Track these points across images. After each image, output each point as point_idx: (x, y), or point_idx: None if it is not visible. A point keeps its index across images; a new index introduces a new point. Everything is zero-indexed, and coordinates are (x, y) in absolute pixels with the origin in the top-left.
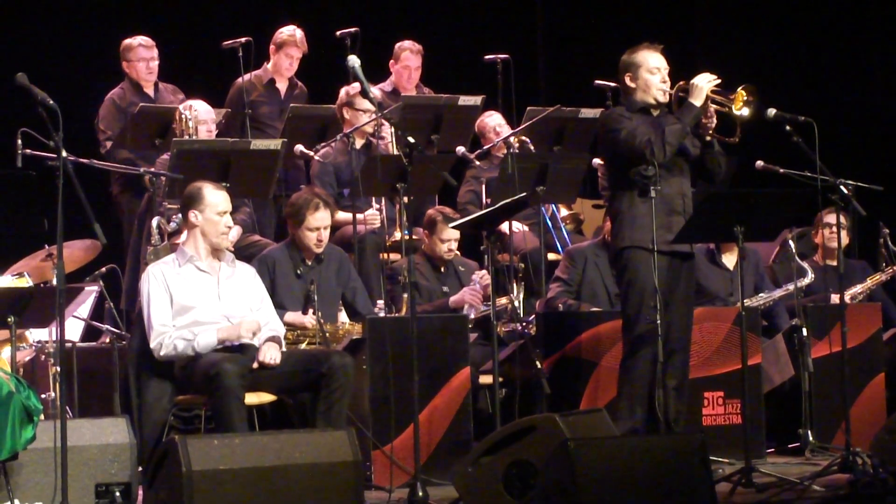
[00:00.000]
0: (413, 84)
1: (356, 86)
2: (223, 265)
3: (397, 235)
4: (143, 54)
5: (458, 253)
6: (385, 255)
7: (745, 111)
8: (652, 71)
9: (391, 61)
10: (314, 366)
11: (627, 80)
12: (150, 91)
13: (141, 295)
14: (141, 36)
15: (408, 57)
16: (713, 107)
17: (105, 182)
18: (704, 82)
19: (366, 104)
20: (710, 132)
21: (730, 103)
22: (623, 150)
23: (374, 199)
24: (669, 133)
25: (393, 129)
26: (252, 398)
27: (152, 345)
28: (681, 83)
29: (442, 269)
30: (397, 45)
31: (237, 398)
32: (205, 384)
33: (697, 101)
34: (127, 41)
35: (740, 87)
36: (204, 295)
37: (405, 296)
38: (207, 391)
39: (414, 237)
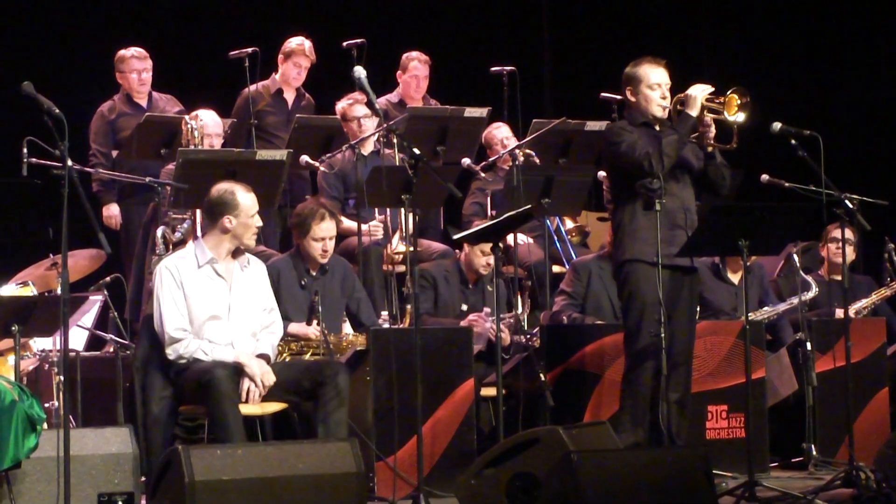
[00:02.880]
0: (421, 94)
1: (348, 100)
2: (237, 268)
3: (394, 245)
4: (135, 65)
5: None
6: (387, 267)
7: (741, 116)
8: (652, 87)
9: (398, 72)
10: (310, 375)
11: (628, 94)
12: (142, 102)
13: (154, 290)
14: (134, 47)
15: (416, 67)
16: (709, 115)
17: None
18: (699, 92)
19: (358, 112)
20: (711, 142)
21: (723, 108)
22: (623, 163)
23: (377, 210)
24: (666, 144)
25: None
26: (255, 409)
27: (167, 349)
28: (678, 96)
29: (470, 286)
30: (404, 55)
31: (232, 401)
32: (198, 392)
33: (693, 111)
34: (121, 52)
35: (730, 91)
36: (216, 304)
37: (409, 307)
38: (202, 399)
39: (418, 248)
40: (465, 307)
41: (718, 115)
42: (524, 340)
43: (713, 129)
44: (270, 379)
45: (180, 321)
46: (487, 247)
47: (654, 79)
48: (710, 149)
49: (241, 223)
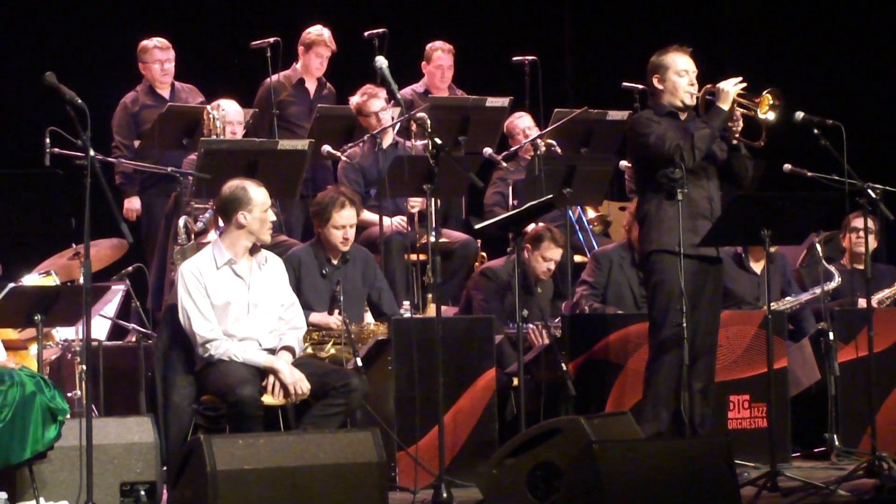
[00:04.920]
0: (446, 84)
1: (362, 95)
2: (255, 266)
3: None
4: (158, 56)
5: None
6: (409, 256)
7: (771, 115)
8: (680, 73)
9: (423, 62)
10: (329, 379)
11: (655, 82)
12: (164, 92)
13: (177, 295)
14: (157, 37)
15: (440, 57)
16: (739, 111)
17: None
18: (731, 86)
19: (375, 107)
20: (737, 136)
21: (755, 107)
22: (652, 155)
23: (408, 199)
24: (698, 138)
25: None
26: (274, 399)
27: (198, 349)
28: (707, 86)
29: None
30: (428, 45)
31: (256, 420)
32: (220, 400)
33: (725, 105)
34: (143, 42)
35: (766, 91)
36: (237, 304)
37: (429, 296)
38: (223, 405)
39: (443, 239)
40: (526, 312)
41: (749, 111)
42: (547, 330)
43: (741, 124)
44: (304, 388)
45: (210, 322)
46: (551, 254)
47: (682, 65)
48: (734, 142)
49: (255, 218)
